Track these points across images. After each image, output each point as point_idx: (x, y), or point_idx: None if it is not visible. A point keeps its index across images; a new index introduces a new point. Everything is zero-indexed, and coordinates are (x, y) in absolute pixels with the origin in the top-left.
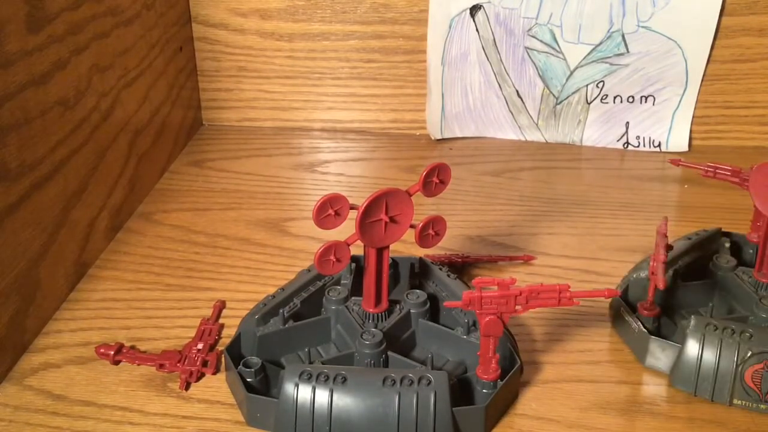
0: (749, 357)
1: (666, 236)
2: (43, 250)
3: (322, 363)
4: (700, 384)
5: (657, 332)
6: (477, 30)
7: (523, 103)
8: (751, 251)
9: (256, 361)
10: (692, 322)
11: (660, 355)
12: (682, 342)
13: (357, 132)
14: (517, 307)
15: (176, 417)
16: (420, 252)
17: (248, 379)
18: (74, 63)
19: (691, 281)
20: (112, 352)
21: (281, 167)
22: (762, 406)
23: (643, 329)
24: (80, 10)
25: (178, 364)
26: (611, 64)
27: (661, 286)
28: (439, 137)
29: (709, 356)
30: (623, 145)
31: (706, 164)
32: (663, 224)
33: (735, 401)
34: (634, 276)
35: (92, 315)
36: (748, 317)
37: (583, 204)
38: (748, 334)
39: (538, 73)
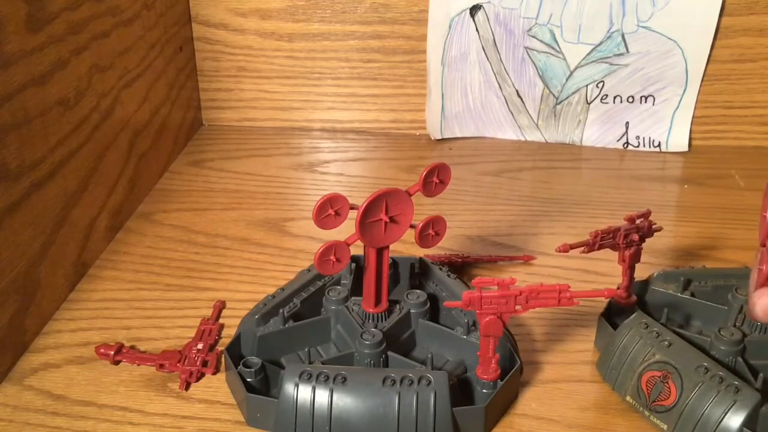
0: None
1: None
2: (43, 250)
3: (322, 363)
4: None
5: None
6: (477, 30)
7: (523, 103)
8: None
9: (256, 361)
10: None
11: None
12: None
13: (357, 132)
14: (517, 307)
15: (176, 417)
16: (420, 252)
17: (248, 379)
18: (74, 63)
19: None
20: (112, 352)
21: (281, 167)
22: None
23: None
24: (80, 10)
25: (178, 364)
26: (611, 64)
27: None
28: (439, 137)
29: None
30: (623, 145)
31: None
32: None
33: None
34: None
35: (92, 315)
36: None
37: (583, 204)
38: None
39: (538, 73)
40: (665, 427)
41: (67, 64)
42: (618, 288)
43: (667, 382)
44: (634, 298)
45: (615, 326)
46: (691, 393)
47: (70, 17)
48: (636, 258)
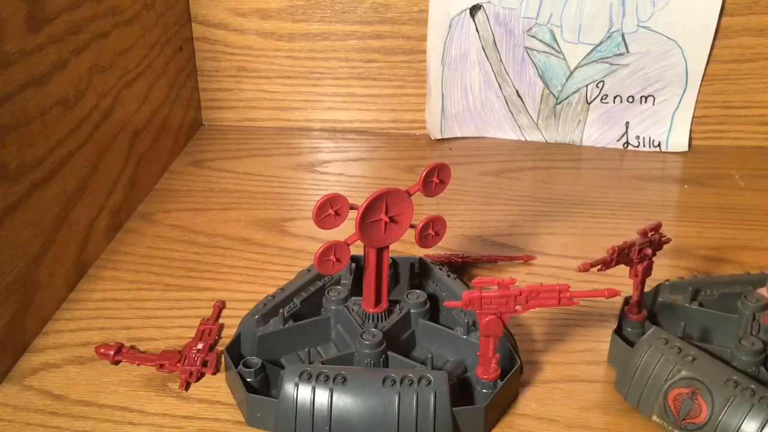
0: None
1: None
2: (42, 250)
3: (322, 363)
4: None
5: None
6: (477, 30)
7: (523, 103)
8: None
9: (256, 361)
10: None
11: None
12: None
13: (357, 132)
14: (517, 307)
15: (176, 417)
16: (420, 252)
17: (248, 379)
18: (74, 63)
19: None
20: (112, 352)
21: (281, 167)
22: None
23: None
24: (80, 10)
25: (178, 364)
26: (611, 64)
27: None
28: (439, 137)
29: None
30: (623, 145)
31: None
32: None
33: None
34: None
35: (92, 315)
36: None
37: (583, 204)
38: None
39: (538, 73)
40: None
41: (67, 64)
42: (629, 302)
43: (696, 399)
44: (644, 312)
45: (627, 341)
46: (724, 408)
47: (70, 17)
48: (648, 272)
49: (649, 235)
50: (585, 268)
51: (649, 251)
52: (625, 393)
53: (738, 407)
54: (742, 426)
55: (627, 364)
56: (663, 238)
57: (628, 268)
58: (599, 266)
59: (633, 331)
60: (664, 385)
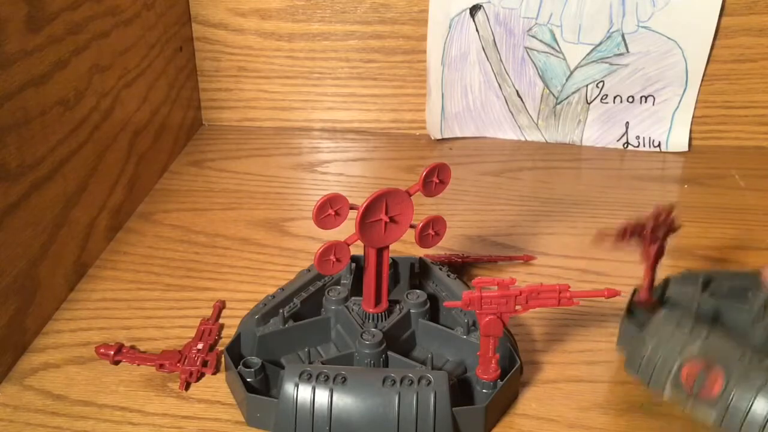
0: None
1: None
2: (43, 250)
3: (322, 363)
4: None
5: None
6: (477, 30)
7: (523, 103)
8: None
9: (256, 361)
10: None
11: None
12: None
13: (357, 132)
14: (517, 307)
15: (176, 417)
16: (420, 252)
17: (248, 379)
18: (74, 63)
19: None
20: (112, 352)
21: (281, 167)
22: None
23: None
24: (80, 10)
25: (178, 364)
26: (611, 64)
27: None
28: (439, 137)
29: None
30: (623, 145)
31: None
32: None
33: None
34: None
35: (92, 315)
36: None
37: (583, 204)
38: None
39: (538, 73)
40: (712, 418)
41: (67, 64)
42: (638, 289)
43: (710, 373)
44: (655, 300)
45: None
46: (738, 381)
47: (70, 17)
48: (660, 255)
49: (661, 218)
50: (601, 239)
51: (662, 232)
52: (635, 370)
53: (753, 380)
54: (757, 398)
55: (638, 343)
56: (674, 224)
57: (639, 252)
58: (615, 237)
59: (642, 317)
60: (677, 360)
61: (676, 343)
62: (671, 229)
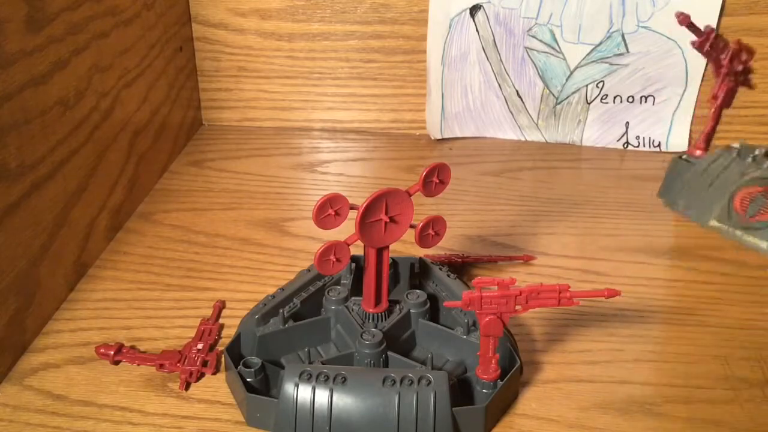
0: None
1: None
2: (43, 250)
3: (322, 363)
4: None
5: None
6: (477, 30)
7: (523, 103)
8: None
9: (256, 361)
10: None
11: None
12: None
13: (357, 132)
14: (517, 307)
15: (176, 417)
16: (420, 252)
17: (248, 379)
18: (74, 63)
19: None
20: (112, 352)
21: (281, 167)
22: None
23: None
24: (80, 10)
25: (178, 364)
26: (611, 64)
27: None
28: (439, 137)
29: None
30: (623, 145)
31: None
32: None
33: None
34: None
35: (92, 315)
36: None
37: (583, 204)
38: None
39: (538, 73)
40: (765, 244)
41: (67, 64)
42: (694, 143)
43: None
44: (705, 148)
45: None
46: None
47: (70, 17)
48: (729, 99)
49: (744, 55)
50: (684, 20)
51: (737, 67)
52: (677, 203)
53: None
54: None
55: (687, 174)
56: (750, 72)
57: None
58: (697, 32)
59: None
60: (731, 186)
61: (733, 171)
62: (748, 70)
